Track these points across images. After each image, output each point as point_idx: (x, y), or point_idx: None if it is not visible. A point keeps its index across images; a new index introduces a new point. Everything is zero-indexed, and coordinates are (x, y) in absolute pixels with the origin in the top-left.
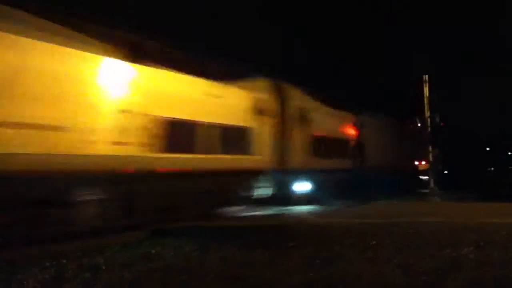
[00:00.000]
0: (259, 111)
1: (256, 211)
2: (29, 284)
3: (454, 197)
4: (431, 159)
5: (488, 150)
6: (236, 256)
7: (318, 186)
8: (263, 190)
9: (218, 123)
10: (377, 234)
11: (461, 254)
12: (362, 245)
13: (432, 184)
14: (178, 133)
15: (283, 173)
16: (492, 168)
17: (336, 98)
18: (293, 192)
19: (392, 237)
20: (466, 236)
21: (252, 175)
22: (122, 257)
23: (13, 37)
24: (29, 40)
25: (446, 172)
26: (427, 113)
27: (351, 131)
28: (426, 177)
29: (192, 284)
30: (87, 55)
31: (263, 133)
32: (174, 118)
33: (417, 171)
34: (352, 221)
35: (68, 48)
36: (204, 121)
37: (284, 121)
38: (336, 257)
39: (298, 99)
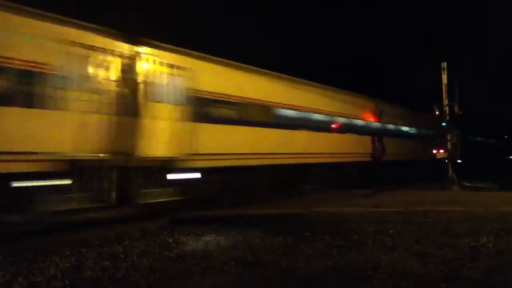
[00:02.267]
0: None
1: None
2: (49, 272)
3: (473, 186)
4: (449, 147)
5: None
6: (255, 244)
7: None
8: None
9: None
10: (395, 223)
11: (480, 243)
12: (380, 234)
13: (450, 172)
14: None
15: None
16: None
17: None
18: None
19: (410, 226)
20: (485, 225)
21: None
22: (141, 246)
23: None
24: None
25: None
26: (446, 101)
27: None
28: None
29: (212, 271)
30: None
31: None
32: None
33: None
34: (370, 209)
35: None
36: None
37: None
38: (354, 245)
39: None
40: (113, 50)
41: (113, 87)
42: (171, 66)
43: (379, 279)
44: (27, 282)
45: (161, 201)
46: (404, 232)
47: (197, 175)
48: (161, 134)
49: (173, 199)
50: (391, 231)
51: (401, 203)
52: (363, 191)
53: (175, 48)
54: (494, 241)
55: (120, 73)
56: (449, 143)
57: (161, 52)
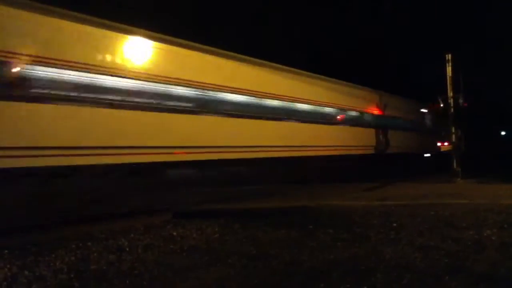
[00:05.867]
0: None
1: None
2: (55, 265)
3: (478, 179)
4: (453, 140)
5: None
6: (258, 238)
7: None
8: None
9: None
10: (398, 216)
11: (483, 236)
12: (383, 227)
13: (455, 165)
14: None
15: None
16: None
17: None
18: None
19: (413, 219)
20: (489, 218)
21: None
22: (145, 239)
23: None
24: None
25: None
26: (450, 94)
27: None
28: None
29: (215, 265)
30: None
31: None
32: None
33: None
34: (373, 203)
35: None
36: None
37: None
38: (357, 239)
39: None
40: None
41: None
42: None
43: (382, 272)
44: (33, 275)
45: None
46: (408, 225)
47: None
48: None
49: None
50: (395, 224)
51: (405, 196)
52: (368, 184)
53: None
54: (498, 234)
55: None
56: (453, 135)
57: None
